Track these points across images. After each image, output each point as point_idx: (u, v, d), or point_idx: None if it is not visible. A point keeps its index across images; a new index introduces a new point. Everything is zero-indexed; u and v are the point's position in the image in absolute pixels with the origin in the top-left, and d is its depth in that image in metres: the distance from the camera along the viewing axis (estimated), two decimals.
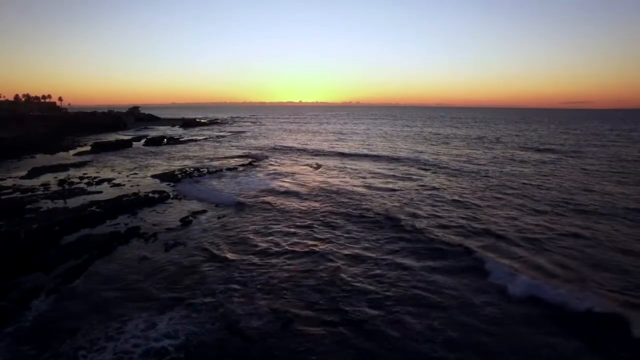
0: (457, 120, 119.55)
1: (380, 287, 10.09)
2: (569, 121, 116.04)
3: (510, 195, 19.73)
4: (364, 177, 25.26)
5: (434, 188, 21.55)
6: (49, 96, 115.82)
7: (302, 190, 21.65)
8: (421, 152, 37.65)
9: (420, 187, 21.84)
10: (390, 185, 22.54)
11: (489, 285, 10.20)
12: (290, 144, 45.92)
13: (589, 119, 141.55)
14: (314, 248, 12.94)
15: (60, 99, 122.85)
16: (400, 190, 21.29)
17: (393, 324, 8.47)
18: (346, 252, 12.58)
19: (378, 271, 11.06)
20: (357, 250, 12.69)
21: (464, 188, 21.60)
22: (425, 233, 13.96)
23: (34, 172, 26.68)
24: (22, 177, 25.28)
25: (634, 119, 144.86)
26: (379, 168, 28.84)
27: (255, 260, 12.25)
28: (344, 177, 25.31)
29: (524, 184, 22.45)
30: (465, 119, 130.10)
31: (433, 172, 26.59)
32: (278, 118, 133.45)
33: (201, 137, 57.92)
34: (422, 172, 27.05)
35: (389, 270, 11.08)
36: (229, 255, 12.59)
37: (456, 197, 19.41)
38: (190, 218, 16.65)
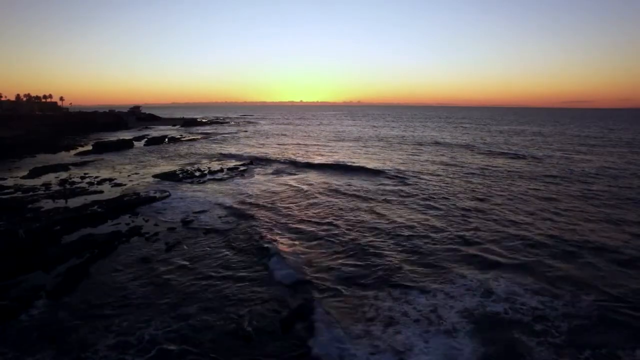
0: (456, 120, 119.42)
1: None
2: (569, 121, 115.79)
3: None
4: (342, 201, 19.51)
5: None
6: (50, 96, 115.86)
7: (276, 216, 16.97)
8: (412, 162, 32.06)
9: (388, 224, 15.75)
10: (359, 211, 17.58)
11: None
12: (278, 151, 40.62)
13: (588, 118, 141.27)
14: None
15: (61, 98, 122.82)
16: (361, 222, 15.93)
17: None
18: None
19: None
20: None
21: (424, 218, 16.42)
22: None
23: (35, 172, 26.67)
24: (23, 177, 25.29)
25: (636, 118, 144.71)
26: (358, 181, 24.07)
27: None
28: (321, 200, 19.80)
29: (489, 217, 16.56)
30: (465, 119, 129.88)
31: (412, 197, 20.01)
32: (278, 118, 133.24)
33: (201, 137, 58.05)
34: (410, 189, 21.60)
35: None
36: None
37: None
38: (192, 218, 16.64)
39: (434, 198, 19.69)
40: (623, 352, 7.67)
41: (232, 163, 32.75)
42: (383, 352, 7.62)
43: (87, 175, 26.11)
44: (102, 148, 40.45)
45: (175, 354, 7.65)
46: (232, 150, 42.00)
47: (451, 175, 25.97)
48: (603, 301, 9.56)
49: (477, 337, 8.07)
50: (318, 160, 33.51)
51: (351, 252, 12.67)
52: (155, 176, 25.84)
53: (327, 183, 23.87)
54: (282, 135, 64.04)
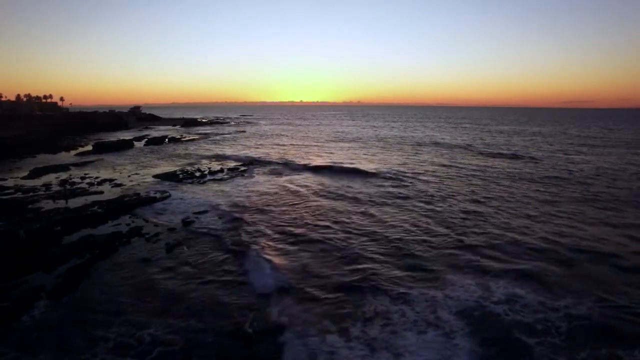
0: (455, 120, 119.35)
1: None
2: (569, 121, 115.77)
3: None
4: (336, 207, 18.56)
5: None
6: (50, 96, 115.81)
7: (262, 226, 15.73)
8: (411, 163, 31.53)
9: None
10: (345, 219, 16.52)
11: None
12: (278, 152, 39.97)
13: (588, 118, 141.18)
14: None
15: (61, 99, 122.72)
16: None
17: None
18: None
19: None
20: None
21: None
22: None
23: (36, 172, 26.70)
24: (23, 177, 25.32)
25: (636, 118, 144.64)
26: (357, 183, 23.78)
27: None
28: (319, 202, 19.50)
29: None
30: (465, 119, 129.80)
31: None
32: (277, 118, 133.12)
33: (200, 138, 58.11)
34: (402, 193, 21.11)
35: None
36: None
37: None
38: (193, 219, 16.65)
39: (433, 200, 19.69)
40: (623, 352, 7.71)
41: (232, 164, 32.77)
42: (380, 352, 7.64)
43: (87, 176, 26.12)
44: (102, 148, 40.47)
45: (176, 355, 7.67)
46: (232, 151, 42.01)
47: (450, 177, 25.97)
48: (603, 302, 9.58)
49: (475, 337, 8.10)
50: (317, 161, 33.45)
51: (348, 255, 12.66)
52: (155, 176, 25.87)
53: (326, 185, 23.89)
54: (282, 135, 64.03)
